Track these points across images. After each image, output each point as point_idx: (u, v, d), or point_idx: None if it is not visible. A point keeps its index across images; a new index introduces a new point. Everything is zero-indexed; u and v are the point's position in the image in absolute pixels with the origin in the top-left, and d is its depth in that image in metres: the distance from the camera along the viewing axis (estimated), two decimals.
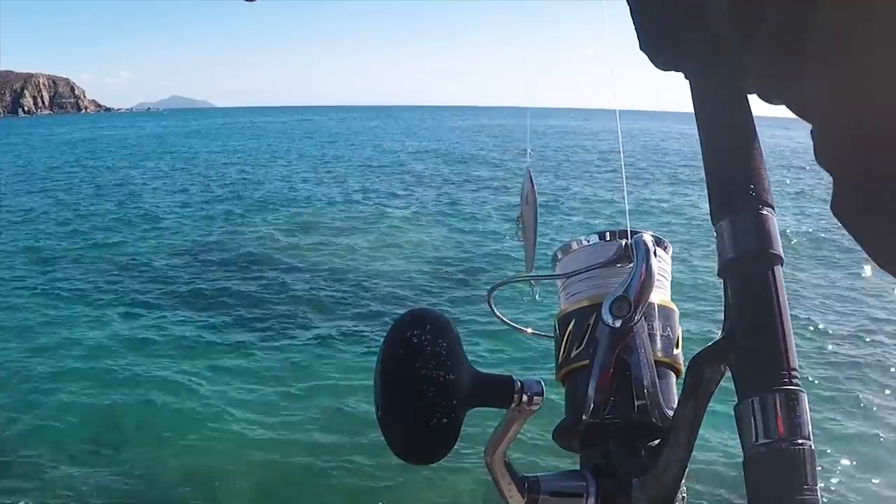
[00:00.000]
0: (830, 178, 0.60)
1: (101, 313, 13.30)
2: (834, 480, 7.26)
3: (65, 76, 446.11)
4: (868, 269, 14.41)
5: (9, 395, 9.95)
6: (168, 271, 16.29)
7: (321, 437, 8.47)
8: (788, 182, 32.04)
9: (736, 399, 0.65)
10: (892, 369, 10.29)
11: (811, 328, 11.86)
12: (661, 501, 0.79)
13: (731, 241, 0.68)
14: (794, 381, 0.63)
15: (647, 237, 0.88)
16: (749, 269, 0.67)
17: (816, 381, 9.56)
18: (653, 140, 66.69)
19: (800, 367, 0.64)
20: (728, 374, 0.70)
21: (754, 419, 0.62)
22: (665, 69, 0.80)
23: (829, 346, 11.15)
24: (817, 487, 0.60)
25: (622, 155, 1.31)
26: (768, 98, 0.71)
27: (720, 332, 0.70)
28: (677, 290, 0.86)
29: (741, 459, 0.63)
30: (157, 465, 7.97)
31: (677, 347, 0.88)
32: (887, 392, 9.62)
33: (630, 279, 0.83)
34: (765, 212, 0.68)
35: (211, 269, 16.41)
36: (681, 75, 0.77)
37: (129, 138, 77.21)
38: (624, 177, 1.21)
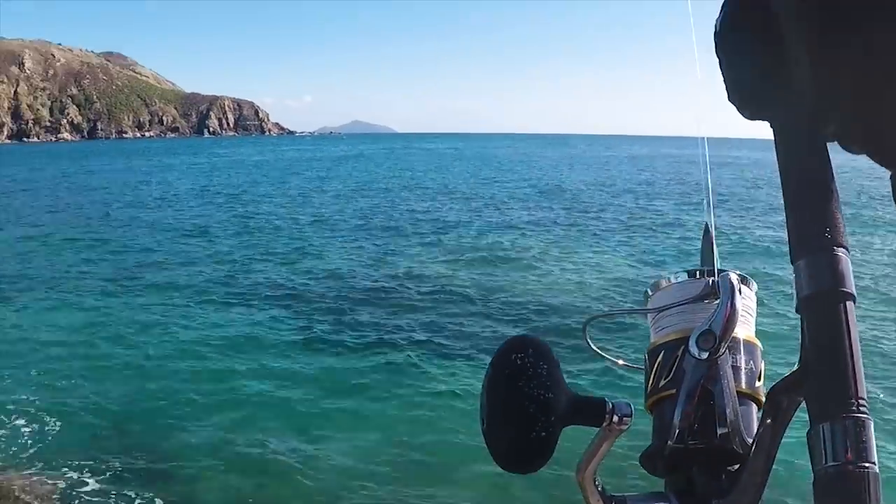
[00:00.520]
0: None
1: (262, 317, 16.81)
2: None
3: (249, 99, 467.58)
4: None
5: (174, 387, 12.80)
6: (317, 286, 20.10)
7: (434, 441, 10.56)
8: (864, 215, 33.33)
9: (809, 426, 0.69)
10: None
11: (880, 358, 13.24)
12: None
13: (807, 280, 0.73)
14: (862, 409, 0.67)
15: (733, 276, 0.92)
16: (822, 306, 0.72)
17: (885, 409, 10.43)
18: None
19: (869, 394, 0.68)
20: (804, 403, 0.74)
21: (824, 444, 0.67)
22: (752, 119, 0.84)
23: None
24: None
25: (709, 190, 1.34)
26: (848, 146, 0.77)
27: (797, 364, 0.76)
28: (765, 324, 0.90)
29: (811, 481, 0.67)
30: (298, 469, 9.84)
31: (759, 380, 0.93)
32: None
33: (716, 315, 0.89)
34: (839, 252, 0.72)
35: (361, 288, 19.86)
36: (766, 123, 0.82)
37: (304, 160, 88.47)
38: (712, 215, 1.26)
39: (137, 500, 9.26)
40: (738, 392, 0.90)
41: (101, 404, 11.81)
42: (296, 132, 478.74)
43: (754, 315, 0.97)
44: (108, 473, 9.76)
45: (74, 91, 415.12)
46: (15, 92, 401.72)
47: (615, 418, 0.92)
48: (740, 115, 0.87)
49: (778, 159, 0.79)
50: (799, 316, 0.74)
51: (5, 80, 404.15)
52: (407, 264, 22.76)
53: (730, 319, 0.88)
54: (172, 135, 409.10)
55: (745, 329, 0.94)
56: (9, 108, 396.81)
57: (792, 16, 0.77)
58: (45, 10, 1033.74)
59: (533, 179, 62.21)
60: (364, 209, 38.31)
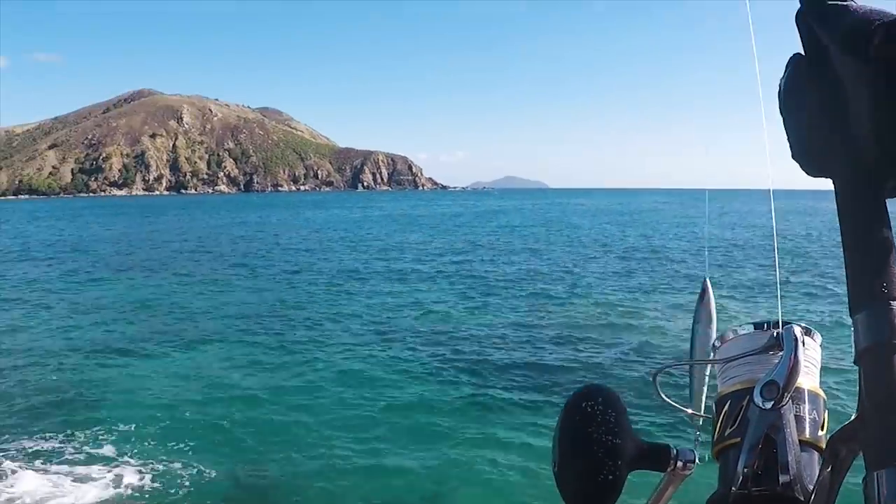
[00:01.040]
0: None
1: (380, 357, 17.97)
2: None
3: (403, 154, 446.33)
4: None
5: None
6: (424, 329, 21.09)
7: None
8: None
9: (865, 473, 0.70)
10: None
11: None
12: None
13: (864, 333, 0.75)
14: None
15: (797, 328, 0.95)
16: (879, 358, 0.73)
17: None
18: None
19: None
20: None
21: (878, 491, 0.67)
22: (815, 176, 0.87)
23: None
24: None
25: (776, 243, 1.40)
26: None
27: (854, 414, 0.77)
28: (832, 374, 0.96)
29: None
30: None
31: (822, 429, 0.93)
32: None
33: (779, 366, 0.91)
34: (895, 306, 0.73)
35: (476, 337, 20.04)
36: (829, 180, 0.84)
37: (455, 215, 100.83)
38: (777, 269, 1.30)
39: None
40: (801, 441, 0.90)
41: (244, 446, 12.25)
42: (448, 187, 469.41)
43: (818, 366, 0.98)
44: None
45: (231, 145, 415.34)
46: (174, 145, 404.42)
47: (679, 464, 0.96)
48: (804, 172, 0.89)
49: (839, 214, 0.81)
50: (857, 367, 0.75)
51: (164, 133, 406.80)
52: (528, 313, 24.02)
53: (793, 371, 0.90)
54: (327, 189, 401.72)
55: (808, 379, 0.95)
56: (168, 161, 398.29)
57: (856, 78, 0.78)
58: (202, 67, 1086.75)
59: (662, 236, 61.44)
60: (484, 263, 39.51)
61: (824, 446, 0.91)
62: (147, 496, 10.31)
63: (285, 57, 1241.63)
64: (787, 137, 0.90)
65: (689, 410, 1.16)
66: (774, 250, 1.49)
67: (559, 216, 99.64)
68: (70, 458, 11.55)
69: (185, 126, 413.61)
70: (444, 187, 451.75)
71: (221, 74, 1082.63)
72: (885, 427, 0.70)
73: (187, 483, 10.62)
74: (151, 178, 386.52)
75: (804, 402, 0.92)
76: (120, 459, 11.43)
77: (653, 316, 22.79)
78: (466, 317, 23.14)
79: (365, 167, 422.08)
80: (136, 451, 11.76)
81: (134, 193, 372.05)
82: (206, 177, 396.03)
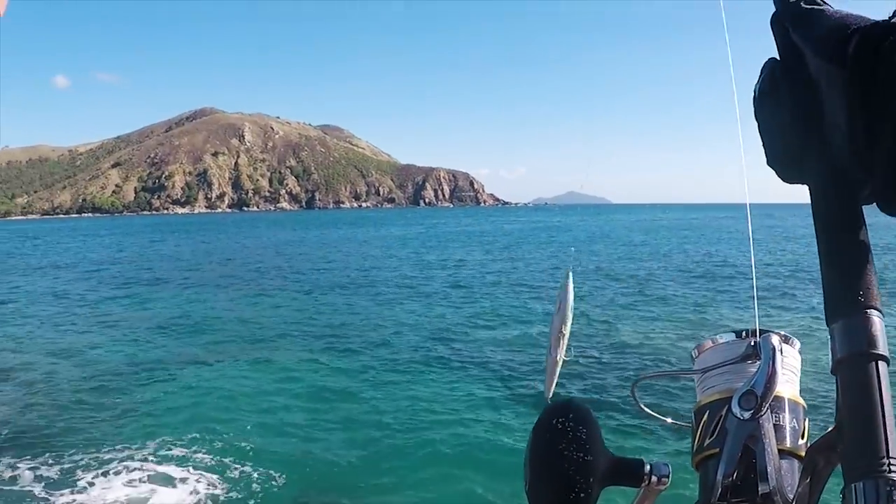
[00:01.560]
0: None
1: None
2: None
3: (464, 171, 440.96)
4: None
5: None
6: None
7: None
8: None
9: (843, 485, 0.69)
10: None
11: None
12: None
13: (841, 343, 0.74)
14: (893, 469, 0.67)
15: (774, 337, 0.93)
16: (855, 368, 0.73)
17: None
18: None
19: None
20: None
21: (856, 503, 0.67)
22: (790, 182, 0.87)
23: None
24: None
25: (752, 252, 1.38)
26: (888, 209, 0.77)
27: (832, 425, 0.76)
28: (813, 383, 0.90)
29: None
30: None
31: (803, 437, 0.92)
32: None
33: (757, 375, 0.90)
34: (871, 315, 0.73)
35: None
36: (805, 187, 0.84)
37: (523, 231, 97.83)
38: (754, 277, 1.27)
39: None
40: (782, 450, 0.89)
41: (314, 455, 12.21)
42: (510, 203, 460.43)
43: (798, 374, 0.97)
44: None
45: (293, 162, 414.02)
46: (236, 163, 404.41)
47: (654, 479, 0.94)
48: (779, 179, 0.88)
49: (814, 221, 0.80)
50: (834, 377, 0.75)
51: (226, 151, 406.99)
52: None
53: (770, 380, 0.89)
54: (389, 205, 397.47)
55: (788, 388, 0.93)
56: (230, 179, 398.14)
57: (830, 83, 0.77)
58: (263, 86, 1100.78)
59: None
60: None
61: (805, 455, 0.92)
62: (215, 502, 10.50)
63: (346, 74, 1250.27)
64: (761, 143, 0.89)
65: (670, 419, 1.14)
66: (751, 256, 1.48)
67: (620, 232, 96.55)
68: (140, 465, 11.71)
69: (247, 144, 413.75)
70: (505, 203, 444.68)
71: (283, 92, 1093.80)
72: (861, 439, 0.70)
73: (253, 488, 10.84)
74: (214, 195, 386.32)
75: (784, 411, 0.91)
76: (188, 466, 11.55)
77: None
78: (530, 330, 22.50)
79: (426, 183, 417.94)
80: (202, 459, 11.87)
81: (196, 211, 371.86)
82: (267, 194, 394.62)
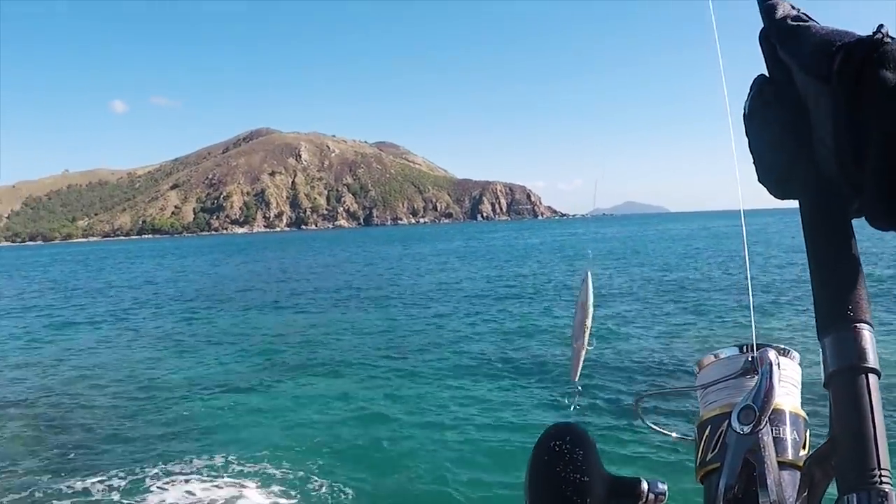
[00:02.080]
0: None
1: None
2: None
3: (521, 183, 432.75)
4: None
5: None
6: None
7: None
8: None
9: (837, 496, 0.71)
10: None
11: None
12: None
13: (832, 357, 0.76)
14: (885, 480, 0.69)
15: (772, 351, 0.94)
16: (847, 381, 0.74)
17: None
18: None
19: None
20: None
21: None
22: (781, 198, 0.88)
23: None
24: None
25: (747, 264, 1.41)
26: (876, 223, 0.77)
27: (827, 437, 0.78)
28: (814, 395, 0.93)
29: None
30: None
31: (804, 449, 0.93)
32: None
33: (755, 390, 0.91)
34: (862, 329, 0.75)
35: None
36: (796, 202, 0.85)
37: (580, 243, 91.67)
38: (750, 291, 1.32)
39: None
40: (783, 462, 0.90)
41: (379, 470, 12.20)
42: (568, 215, 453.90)
43: (798, 386, 0.98)
44: None
45: (350, 180, 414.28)
46: (293, 182, 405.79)
47: (651, 496, 0.95)
48: (770, 195, 0.89)
49: (805, 236, 0.81)
50: (827, 391, 0.77)
51: (283, 171, 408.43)
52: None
53: (768, 394, 0.90)
54: (446, 220, 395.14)
55: (789, 400, 0.95)
56: (287, 198, 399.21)
57: (818, 99, 0.78)
58: (318, 105, 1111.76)
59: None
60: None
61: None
62: None
63: (399, 91, 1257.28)
64: (752, 160, 0.90)
65: (675, 434, 1.16)
66: (746, 270, 1.46)
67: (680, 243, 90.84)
68: (202, 480, 11.85)
69: (304, 163, 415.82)
70: (563, 215, 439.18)
71: (337, 111, 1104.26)
72: (854, 451, 0.71)
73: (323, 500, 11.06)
74: (272, 214, 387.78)
75: (785, 424, 0.93)
76: (252, 481, 11.75)
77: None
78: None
79: (483, 197, 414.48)
80: (267, 473, 12.02)
81: (255, 230, 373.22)
82: (325, 212, 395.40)
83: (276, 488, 11.45)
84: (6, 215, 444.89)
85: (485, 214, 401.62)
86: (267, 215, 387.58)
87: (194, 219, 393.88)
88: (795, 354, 0.99)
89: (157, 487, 11.55)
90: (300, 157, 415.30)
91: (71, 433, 14.77)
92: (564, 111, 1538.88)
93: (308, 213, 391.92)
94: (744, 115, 0.89)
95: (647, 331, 22.97)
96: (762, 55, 0.88)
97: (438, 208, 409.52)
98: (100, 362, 22.70)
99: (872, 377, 0.74)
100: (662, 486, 0.96)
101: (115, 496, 11.31)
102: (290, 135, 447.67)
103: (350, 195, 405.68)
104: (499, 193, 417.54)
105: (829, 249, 0.79)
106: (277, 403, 16.72)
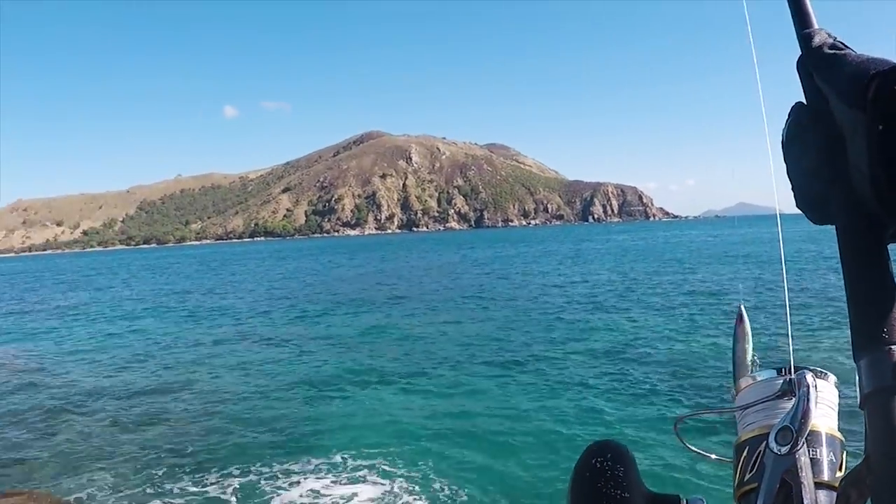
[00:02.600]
0: None
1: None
2: None
3: (632, 185, 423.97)
4: None
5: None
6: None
7: None
8: None
9: None
10: None
11: None
12: None
13: (868, 378, 0.77)
14: None
15: (809, 374, 0.96)
16: (882, 402, 0.75)
17: None
18: None
19: None
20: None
21: None
22: (819, 224, 0.89)
23: None
24: None
25: (785, 285, 1.42)
26: None
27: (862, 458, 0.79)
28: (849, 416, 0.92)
29: None
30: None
31: (840, 470, 0.93)
32: None
33: (792, 411, 0.93)
34: None
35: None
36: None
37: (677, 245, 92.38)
38: (787, 311, 1.32)
39: None
40: (819, 483, 0.90)
41: (493, 472, 12.17)
42: (680, 216, 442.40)
43: (835, 408, 0.99)
44: None
45: (460, 182, 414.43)
46: (404, 184, 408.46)
47: None
48: (808, 220, 0.91)
49: (841, 260, 0.83)
50: (863, 411, 0.78)
51: (394, 173, 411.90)
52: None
53: (805, 416, 0.91)
54: (557, 222, 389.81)
55: (825, 422, 0.96)
56: (398, 200, 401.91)
57: (853, 127, 0.79)
58: (428, 107, 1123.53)
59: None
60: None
61: None
62: None
63: (509, 93, 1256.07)
64: (790, 186, 0.91)
65: (713, 456, 1.18)
66: (784, 290, 1.40)
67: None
68: (318, 477, 12.11)
69: (415, 165, 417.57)
70: (675, 217, 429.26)
71: (447, 113, 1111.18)
72: (889, 471, 0.72)
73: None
74: (383, 217, 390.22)
75: (821, 445, 0.93)
76: (367, 479, 11.97)
77: None
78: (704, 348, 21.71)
79: (594, 199, 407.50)
80: (381, 470, 12.25)
81: (367, 233, 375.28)
82: (436, 214, 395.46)
83: (391, 486, 11.63)
84: (121, 219, 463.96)
85: (596, 216, 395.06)
86: (378, 217, 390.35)
87: (306, 221, 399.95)
88: (832, 377, 1.00)
89: (274, 487, 11.79)
90: (411, 159, 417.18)
91: (189, 431, 15.25)
92: (677, 113, 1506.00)
93: (419, 215, 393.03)
94: (781, 142, 0.91)
95: (688, 344, 22.41)
96: (800, 83, 0.90)
97: (549, 210, 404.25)
98: (220, 361, 23.55)
99: None
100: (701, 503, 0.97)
101: (233, 494, 11.55)
102: (400, 137, 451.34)
103: (461, 197, 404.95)
104: (610, 195, 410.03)
105: (864, 273, 0.81)
106: (390, 402, 17.07)
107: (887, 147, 0.74)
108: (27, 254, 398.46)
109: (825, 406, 0.97)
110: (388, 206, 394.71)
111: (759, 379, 1.02)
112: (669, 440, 12.57)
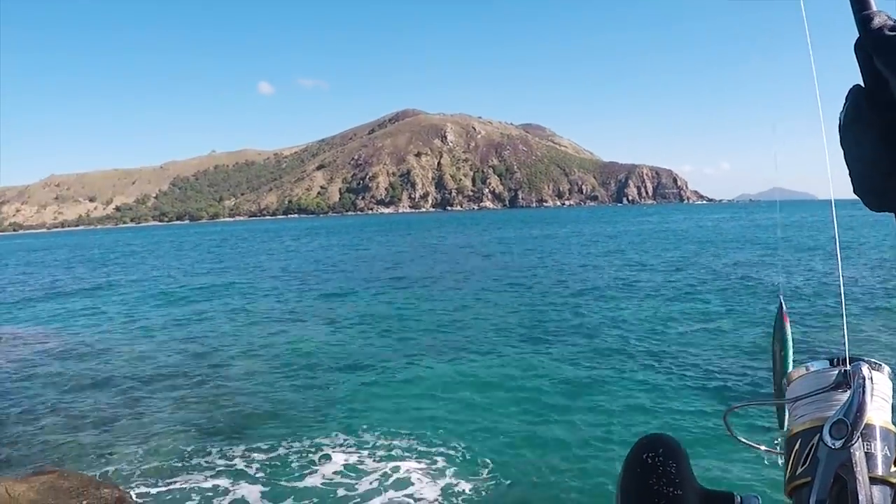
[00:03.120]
0: None
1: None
2: None
3: (667, 167, 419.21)
4: None
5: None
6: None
7: None
8: None
9: None
10: None
11: None
12: None
13: None
14: None
15: (864, 366, 0.93)
16: None
17: None
18: None
19: None
20: None
21: None
22: (878, 210, 0.87)
23: None
24: None
25: (840, 276, 1.38)
26: None
27: None
28: None
29: None
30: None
31: (895, 465, 0.91)
32: None
33: (848, 404, 0.89)
34: None
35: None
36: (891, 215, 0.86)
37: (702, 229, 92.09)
38: (843, 302, 1.20)
39: None
40: (873, 478, 0.88)
41: (524, 455, 12.17)
42: (715, 200, 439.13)
43: (889, 401, 0.96)
44: None
45: (495, 161, 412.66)
46: (439, 163, 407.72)
47: None
48: (865, 206, 0.89)
49: None
50: None
51: (429, 152, 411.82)
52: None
53: (861, 409, 0.88)
54: (591, 203, 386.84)
55: (880, 415, 0.93)
56: (433, 179, 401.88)
57: None
58: (465, 86, 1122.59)
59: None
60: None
61: None
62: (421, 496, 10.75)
63: (546, 73, 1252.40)
64: (848, 172, 0.88)
65: (763, 447, 1.15)
66: (840, 280, 1.37)
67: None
68: (347, 455, 12.31)
69: (450, 144, 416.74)
70: (710, 200, 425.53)
71: (483, 92, 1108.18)
72: None
73: (467, 486, 10.98)
74: (417, 195, 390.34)
75: (876, 439, 0.91)
76: (398, 458, 12.09)
77: None
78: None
79: (629, 181, 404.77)
80: (412, 450, 12.46)
81: (400, 211, 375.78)
82: (470, 193, 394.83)
83: (426, 465, 11.79)
84: (154, 195, 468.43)
85: (630, 198, 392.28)
86: (412, 196, 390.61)
87: (340, 199, 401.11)
88: (887, 369, 0.97)
89: (297, 461, 12.08)
90: (446, 138, 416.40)
91: (219, 406, 15.52)
92: (714, 97, 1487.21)
93: (453, 193, 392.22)
94: (838, 126, 0.88)
95: (739, 337, 21.87)
96: (857, 65, 0.86)
97: (584, 191, 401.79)
98: (251, 339, 23.90)
99: None
100: (756, 502, 0.94)
101: (268, 469, 11.83)
102: (435, 116, 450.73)
103: (495, 177, 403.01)
104: (645, 177, 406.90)
105: None
106: (422, 381, 17.23)
107: None
108: (59, 229, 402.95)
109: (880, 399, 0.94)
110: (423, 184, 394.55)
111: (811, 369, 0.99)
112: (713, 431, 12.57)
